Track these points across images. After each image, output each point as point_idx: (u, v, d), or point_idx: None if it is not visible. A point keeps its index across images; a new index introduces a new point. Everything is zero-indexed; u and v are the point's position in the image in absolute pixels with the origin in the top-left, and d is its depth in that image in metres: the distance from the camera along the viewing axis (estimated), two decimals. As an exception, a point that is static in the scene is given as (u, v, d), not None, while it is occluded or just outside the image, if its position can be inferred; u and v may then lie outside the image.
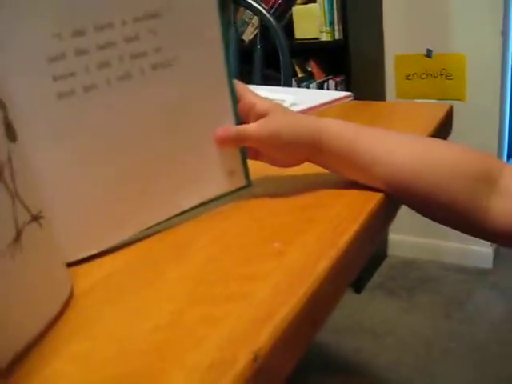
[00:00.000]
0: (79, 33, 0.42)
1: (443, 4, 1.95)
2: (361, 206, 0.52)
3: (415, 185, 0.53)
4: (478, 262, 2.14)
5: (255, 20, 1.97)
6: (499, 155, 2.13)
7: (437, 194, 0.53)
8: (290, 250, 0.45)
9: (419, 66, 2.02)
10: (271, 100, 0.55)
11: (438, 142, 0.56)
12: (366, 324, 1.91)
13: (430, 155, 0.53)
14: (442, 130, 0.82)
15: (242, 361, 0.32)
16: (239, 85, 0.55)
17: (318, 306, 0.41)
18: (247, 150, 0.56)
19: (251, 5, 1.47)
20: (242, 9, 1.95)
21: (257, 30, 1.96)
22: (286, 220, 0.51)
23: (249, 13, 1.92)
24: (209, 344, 0.34)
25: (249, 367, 0.32)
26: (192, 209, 0.52)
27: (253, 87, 0.58)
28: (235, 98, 0.54)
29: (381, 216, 0.54)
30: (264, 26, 1.54)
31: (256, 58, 1.60)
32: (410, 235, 2.31)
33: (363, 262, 0.50)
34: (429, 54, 2.01)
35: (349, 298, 2.07)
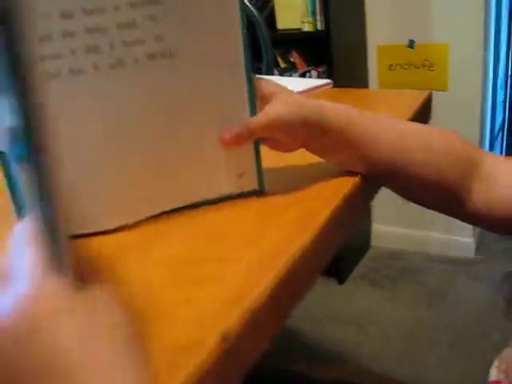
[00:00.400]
0: (67, 15, 0.41)
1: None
2: (336, 189, 0.52)
3: (409, 161, 0.54)
4: (461, 251, 2.16)
5: (237, 10, 1.96)
6: (481, 145, 2.15)
7: (428, 173, 0.54)
8: (265, 235, 0.44)
9: (402, 56, 2.03)
10: (274, 82, 0.53)
11: (429, 126, 0.59)
12: (349, 314, 1.91)
13: (426, 134, 0.56)
14: (421, 117, 0.82)
15: (210, 342, 0.32)
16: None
17: (289, 289, 0.40)
18: None
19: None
20: None
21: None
22: (263, 205, 0.50)
23: None
24: (178, 325, 0.34)
25: (217, 349, 0.32)
26: (193, 205, 0.50)
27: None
28: (253, 97, 0.50)
29: (357, 200, 0.53)
30: (246, 17, 1.53)
31: None
32: (394, 226, 2.32)
33: (338, 244, 0.50)
34: (411, 44, 2.02)
35: (332, 288, 2.07)
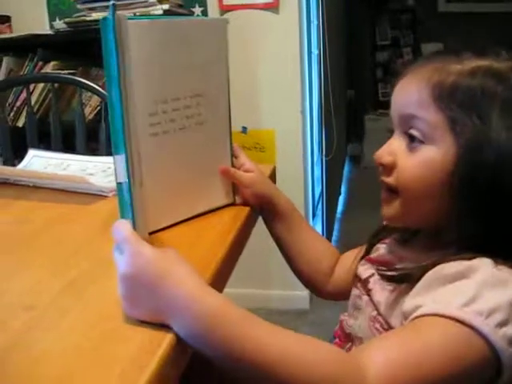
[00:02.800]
0: (164, 101, 0.73)
1: (254, 90, 2.35)
2: (232, 226, 0.79)
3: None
4: (298, 304, 2.48)
5: (92, 101, 2.18)
6: (305, 213, 2.52)
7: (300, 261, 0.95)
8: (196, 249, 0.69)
9: (237, 140, 2.34)
10: (254, 163, 0.92)
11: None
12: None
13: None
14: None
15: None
16: (236, 147, 0.90)
17: (220, 275, 0.65)
18: None
19: (96, 89, 1.70)
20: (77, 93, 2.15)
21: (96, 110, 2.17)
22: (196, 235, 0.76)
23: (86, 95, 2.12)
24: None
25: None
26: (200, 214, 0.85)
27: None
28: (232, 148, 0.88)
29: (246, 228, 0.81)
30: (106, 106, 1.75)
31: (101, 135, 1.79)
32: (238, 287, 2.59)
33: (239, 255, 0.76)
34: (244, 130, 2.38)
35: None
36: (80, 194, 0.98)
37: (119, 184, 0.69)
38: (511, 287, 0.61)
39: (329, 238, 3.07)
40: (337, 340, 0.83)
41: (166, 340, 0.51)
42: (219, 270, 0.66)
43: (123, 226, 0.57)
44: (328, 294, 0.96)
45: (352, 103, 5.30)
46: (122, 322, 0.54)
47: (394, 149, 0.72)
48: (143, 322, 0.53)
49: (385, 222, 0.87)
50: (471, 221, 0.66)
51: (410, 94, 0.70)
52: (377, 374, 0.55)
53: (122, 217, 0.70)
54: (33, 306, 0.58)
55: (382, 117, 5.04)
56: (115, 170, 0.69)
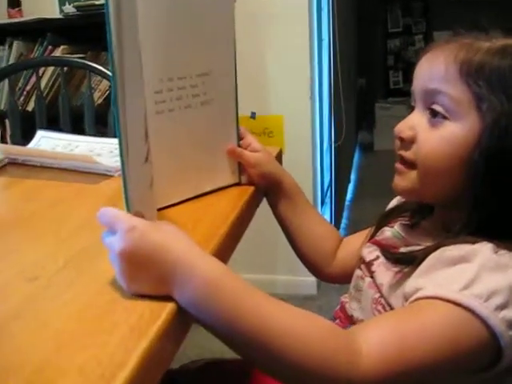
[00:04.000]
0: (170, 79, 0.73)
1: (263, 76, 2.35)
2: (235, 203, 0.80)
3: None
4: (305, 289, 2.49)
5: (102, 86, 2.20)
6: (314, 202, 2.53)
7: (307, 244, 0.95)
8: (199, 226, 0.70)
9: (245, 126, 2.36)
10: (261, 143, 0.93)
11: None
12: (216, 351, 2.13)
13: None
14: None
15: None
16: (243, 128, 0.90)
17: (222, 251, 0.66)
18: None
19: (105, 73, 1.71)
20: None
21: (105, 95, 2.19)
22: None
23: (95, 79, 2.13)
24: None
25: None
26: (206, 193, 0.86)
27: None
28: (238, 129, 0.89)
29: (250, 207, 0.81)
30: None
31: (110, 119, 1.80)
32: (247, 273, 2.60)
33: (242, 234, 0.77)
34: (253, 115, 2.38)
35: (196, 331, 2.28)
36: (87, 174, 0.99)
37: (121, 161, 0.69)
38: (511, 272, 0.61)
39: (337, 225, 3.07)
40: (337, 321, 0.83)
41: (167, 310, 0.52)
42: (221, 246, 0.67)
43: (109, 210, 0.57)
44: (329, 276, 0.97)
45: (363, 91, 5.28)
46: (124, 293, 0.55)
47: (414, 123, 0.71)
48: (144, 296, 0.54)
49: (391, 205, 0.87)
50: (484, 201, 0.66)
51: (436, 68, 0.69)
52: (370, 353, 0.55)
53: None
54: (37, 277, 0.59)
55: (392, 105, 5.02)
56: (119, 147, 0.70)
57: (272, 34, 2.32)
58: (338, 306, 0.85)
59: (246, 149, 0.90)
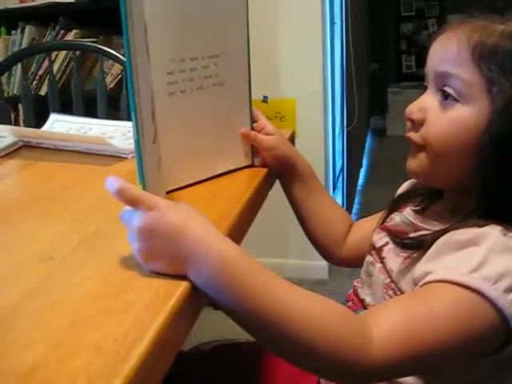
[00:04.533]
0: (182, 60, 0.73)
1: (275, 60, 2.34)
2: (249, 184, 0.80)
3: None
4: (316, 274, 2.50)
5: (114, 70, 2.20)
6: (326, 185, 2.53)
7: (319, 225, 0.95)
8: (212, 206, 0.70)
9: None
10: (275, 126, 0.92)
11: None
12: (227, 334, 2.15)
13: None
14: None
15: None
16: (256, 111, 0.90)
17: (235, 231, 0.66)
18: None
19: (117, 57, 1.71)
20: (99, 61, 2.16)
21: (117, 79, 2.19)
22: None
23: (107, 63, 2.13)
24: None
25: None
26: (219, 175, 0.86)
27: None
28: (252, 111, 0.88)
29: (262, 188, 0.81)
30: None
31: (122, 103, 1.80)
32: (255, 256, 2.61)
33: (255, 215, 0.77)
34: (265, 99, 2.38)
35: (208, 314, 2.29)
36: (100, 156, 1.00)
37: (135, 141, 0.70)
38: None
39: (349, 210, 3.07)
40: (350, 303, 0.84)
41: (181, 289, 0.52)
42: (234, 227, 0.67)
43: (127, 188, 0.56)
44: (340, 260, 0.97)
45: (375, 75, 5.25)
46: (139, 273, 0.55)
47: (425, 105, 0.71)
48: (159, 274, 0.54)
49: (401, 190, 0.87)
50: (493, 184, 0.66)
51: (449, 51, 0.69)
52: (381, 337, 0.56)
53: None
54: (52, 257, 0.59)
55: (405, 89, 4.99)
56: (132, 128, 0.71)
57: (284, 18, 2.30)
58: (351, 290, 0.85)
59: (259, 132, 0.90)
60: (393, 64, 5.54)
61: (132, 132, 0.62)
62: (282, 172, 0.94)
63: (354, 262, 0.92)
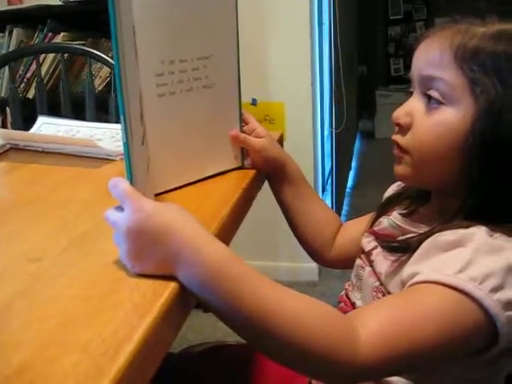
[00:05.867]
0: (171, 62, 0.73)
1: (264, 62, 2.34)
2: (237, 186, 0.80)
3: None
4: (306, 276, 2.50)
5: (102, 73, 2.19)
6: (315, 188, 2.53)
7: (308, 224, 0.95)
8: (201, 208, 0.70)
9: (246, 113, 2.37)
10: (265, 129, 0.92)
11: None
12: (217, 337, 2.14)
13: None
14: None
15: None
16: (247, 113, 0.90)
17: (224, 232, 0.66)
18: None
19: (106, 59, 1.70)
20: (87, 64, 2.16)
21: (106, 82, 2.18)
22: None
23: (96, 66, 2.12)
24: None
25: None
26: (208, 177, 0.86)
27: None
28: (241, 113, 0.89)
29: (251, 190, 0.82)
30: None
31: (111, 106, 1.80)
32: (248, 260, 2.61)
33: (244, 215, 0.77)
34: (254, 102, 2.38)
35: (198, 317, 2.29)
36: (88, 159, 1.00)
37: (125, 144, 0.70)
38: (505, 254, 0.61)
39: (338, 212, 3.08)
40: (342, 305, 0.84)
41: (169, 289, 0.52)
42: (223, 228, 0.67)
43: (122, 183, 0.57)
44: (328, 261, 0.98)
45: (364, 78, 5.27)
46: (127, 273, 0.55)
47: (411, 109, 0.72)
48: (147, 276, 0.54)
49: (387, 193, 0.88)
50: (479, 185, 0.66)
51: (432, 54, 0.70)
52: (369, 338, 0.56)
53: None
54: (40, 258, 0.59)
55: (393, 92, 5.00)
56: (121, 130, 0.70)
57: (272, 19, 2.30)
58: (343, 292, 0.86)
59: (250, 134, 0.90)
60: (381, 67, 5.56)
61: (120, 134, 0.62)
62: (271, 174, 0.94)
63: (343, 264, 0.93)
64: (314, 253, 0.98)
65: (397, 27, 5.54)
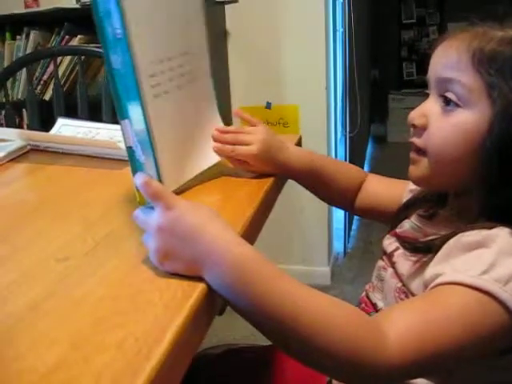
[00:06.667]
0: (161, 61, 0.71)
1: (278, 66, 2.35)
2: (259, 188, 0.80)
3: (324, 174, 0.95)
4: (319, 280, 2.50)
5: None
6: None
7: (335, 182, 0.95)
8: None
9: (261, 116, 2.37)
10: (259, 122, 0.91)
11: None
12: (230, 340, 2.15)
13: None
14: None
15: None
16: (237, 110, 0.94)
17: (250, 233, 0.66)
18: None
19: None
20: (104, 66, 2.17)
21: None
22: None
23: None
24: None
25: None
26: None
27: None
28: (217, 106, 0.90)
29: (273, 192, 0.82)
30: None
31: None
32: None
33: (266, 217, 0.77)
34: (268, 106, 2.38)
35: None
36: (109, 160, 1.00)
37: (129, 148, 0.70)
38: None
39: (350, 217, 3.07)
40: (363, 305, 0.84)
41: (198, 290, 0.52)
42: (248, 229, 0.67)
43: (153, 182, 0.58)
44: (358, 209, 1.00)
45: (376, 82, 5.26)
46: (156, 273, 0.55)
47: (427, 111, 0.72)
48: (176, 275, 0.55)
49: (409, 189, 0.88)
50: (498, 187, 0.66)
51: (450, 57, 0.70)
52: (398, 340, 0.56)
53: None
54: (67, 257, 0.60)
55: (406, 96, 4.99)
56: (123, 135, 0.71)
57: (287, 24, 2.31)
58: (364, 293, 0.86)
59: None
60: (394, 71, 5.55)
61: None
62: (284, 175, 0.93)
63: (364, 213, 1.01)
64: (344, 206, 1.04)
65: (410, 31, 5.53)
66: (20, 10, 2.34)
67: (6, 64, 2.28)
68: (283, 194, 0.95)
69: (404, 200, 0.88)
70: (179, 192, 0.78)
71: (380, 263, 0.82)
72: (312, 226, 2.46)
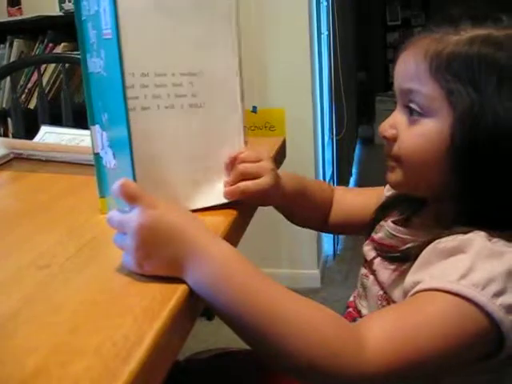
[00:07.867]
0: (144, 75, 0.65)
1: (264, 69, 2.35)
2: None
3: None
4: (308, 282, 2.50)
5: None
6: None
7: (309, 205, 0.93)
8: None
9: (247, 120, 2.37)
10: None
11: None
12: (220, 345, 2.14)
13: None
14: (279, 157, 1.12)
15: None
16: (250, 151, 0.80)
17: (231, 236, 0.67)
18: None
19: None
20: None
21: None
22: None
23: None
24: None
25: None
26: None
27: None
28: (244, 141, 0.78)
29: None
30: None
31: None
32: (250, 267, 2.61)
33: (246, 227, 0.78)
34: (254, 110, 2.39)
35: (202, 325, 2.29)
36: (91, 167, 0.99)
37: (96, 155, 0.70)
38: (506, 258, 0.61)
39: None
40: (350, 309, 0.84)
41: (178, 292, 0.52)
42: (229, 233, 0.68)
43: (131, 183, 0.57)
44: (332, 227, 0.99)
45: (363, 84, 5.28)
46: (137, 278, 0.55)
47: (395, 122, 0.73)
48: (155, 278, 0.55)
49: (387, 194, 0.88)
50: (468, 193, 0.67)
51: (409, 67, 0.70)
52: (375, 346, 0.56)
53: (100, 188, 0.74)
54: (49, 265, 0.60)
55: (392, 98, 4.99)
56: (91, 141, 0.70)
57: (272, 27, 2.32)
58: (352, 298, 0.86)
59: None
60: (380, 73, 5.58)
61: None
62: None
63: (341, 230, 1.04)
64: (318, 224, 1.00)
65: (395, 33, 5.57)
66: (3, 18, 2.34)
67: (-10, 73, 2.27)
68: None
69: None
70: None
71: (362, 270, 0.83)
72: (301, 228, 2.45)
